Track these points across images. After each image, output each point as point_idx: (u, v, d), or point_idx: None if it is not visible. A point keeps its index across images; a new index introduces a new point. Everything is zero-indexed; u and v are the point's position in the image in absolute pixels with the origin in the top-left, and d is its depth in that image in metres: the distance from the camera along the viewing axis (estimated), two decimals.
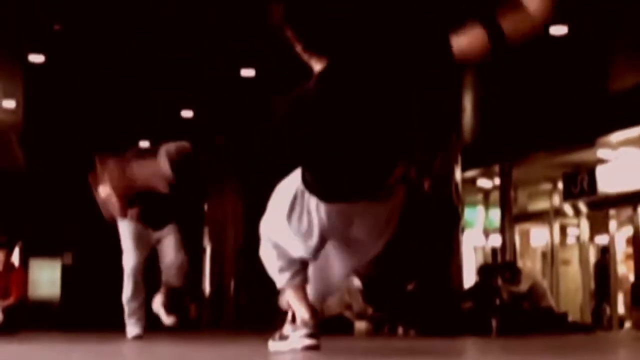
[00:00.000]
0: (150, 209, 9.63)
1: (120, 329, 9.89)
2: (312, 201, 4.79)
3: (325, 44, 4.65)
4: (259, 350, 6.17)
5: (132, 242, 9.70)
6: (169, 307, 9.95)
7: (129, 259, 9.76)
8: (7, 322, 12.22)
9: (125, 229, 9.76)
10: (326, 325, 15.19)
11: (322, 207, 4.78)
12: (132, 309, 9.80)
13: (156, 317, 9.99)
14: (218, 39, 13.33)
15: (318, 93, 4.62)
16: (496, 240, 21.55)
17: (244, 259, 22.82)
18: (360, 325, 14.68)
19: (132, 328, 9.74)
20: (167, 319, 9.93)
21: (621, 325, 19.24)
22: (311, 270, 5.35)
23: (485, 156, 20.12)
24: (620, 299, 19.73)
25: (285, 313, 5.77)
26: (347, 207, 4.79)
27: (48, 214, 23.61)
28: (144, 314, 9.86)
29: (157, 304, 9.93)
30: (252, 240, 18.69)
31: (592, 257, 20.85)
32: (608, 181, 19.00)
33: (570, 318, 15.47)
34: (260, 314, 17.76)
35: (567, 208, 20.90)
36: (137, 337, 9.61)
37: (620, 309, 19.74)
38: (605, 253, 19.24)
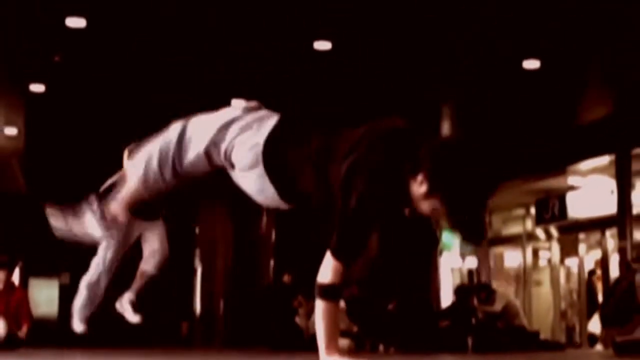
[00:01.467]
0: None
1: (114, 346, 9.83)
2: None
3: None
4: None
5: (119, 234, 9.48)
6: (137, 305, 9.70)
7: (109, 251, 9.60)
8: (9, 339, 12.20)
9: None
10: (312, 341, 15.18)
11: None
12: (90, 298, 9.65)
13: (149, 333, 9.79)
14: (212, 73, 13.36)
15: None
16: (472, 263, 21.58)
17: (233, 279, 22.79)
18: (344, 342, 14.65)
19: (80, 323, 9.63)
20: (133, 317, 9.66)
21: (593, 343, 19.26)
22: None
23: None
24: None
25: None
26: None
27: (47, 235, 23.53)
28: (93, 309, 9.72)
29: (125, 301, 9.68)
30: (241, 261, 18.65)
31: (563, 278, 20.88)
32: (578, 207, 19.05)
33: (541, 336, 15.48)
34: (248, 332, 17.72)
35: (539, 232, 20.92)
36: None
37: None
38: (592, 275, 19.23)
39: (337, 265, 4.12)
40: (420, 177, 4.02)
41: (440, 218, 4.19)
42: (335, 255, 4.08)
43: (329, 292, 4.18)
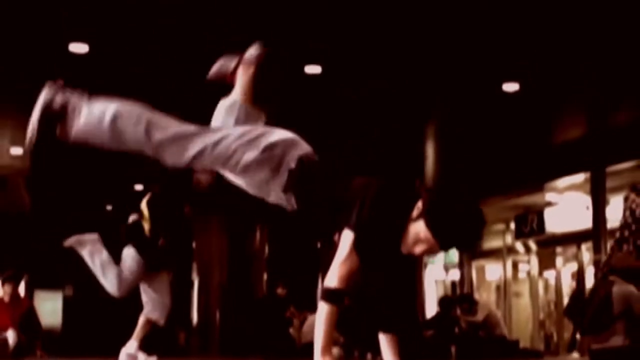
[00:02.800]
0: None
1: (116, 355, 9.75)
2: None
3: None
4: None
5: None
6: (145, 346, 9.44)
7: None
8: (17, 349, 12.18)
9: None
10: (302, 351, 15.16)
11: None
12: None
13: (148, 341, 9.63)
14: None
15: None
16: (455, 275, 21.56)
17: (228, 291, 22.75)
18: (334, 351, 14.61)
19: None
20: None
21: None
22: None
23: None
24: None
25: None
26: None
27: (51, 250, 23.47)
28: None
29: (134, 350, 9.20)
30: (236, 274, 18.59)
31: (541, 290, 20.88)
32: (555, 222, 19.06)
33: (521, 345, 15.46)
34: (243, 341, 17.67)
35: (519, 246, 20.93)
36: None
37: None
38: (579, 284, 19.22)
39: (342, 272, 4.14)
40: (420, 222, 4.10)
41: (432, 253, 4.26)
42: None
43: (333, 296, 4.22)
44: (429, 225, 4.08)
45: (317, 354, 4.38)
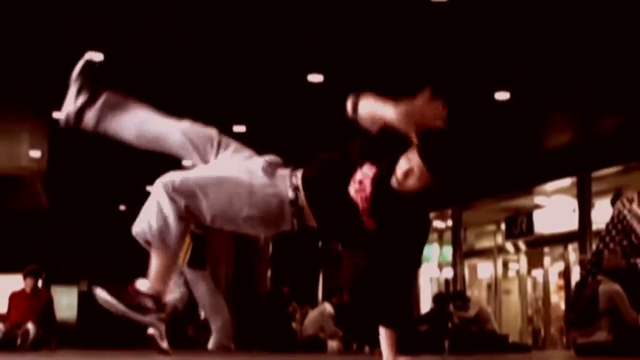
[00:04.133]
0: None
1: (129, 347, 9.74)
2: None
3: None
4: None
5: None
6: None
7: None
8: (36, 340, 12.20)
9: None
10: (304, 344, 15.14)
11: None
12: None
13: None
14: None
15: None
16: (449, 273, 21.54)
17: (234, 287, 22.74)
18: (332, 344, 14.61)
19: None
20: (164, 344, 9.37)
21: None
22: None
23: (440, 201, 20.14)
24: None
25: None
26: None
27: (67, 247, 23.49)
28: None
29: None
30: (241, 272, 18.56)
31: (530, 287, 20.85)
32: (543, 224, 19.05)
33: (510, 339, 15.44)
34: (248, 334, 17.67)
35: (509, 246, 20.92)
36: None
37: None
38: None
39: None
40: (412, 152, 4.22)
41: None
42: None
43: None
44: (419, 149, 4.17)
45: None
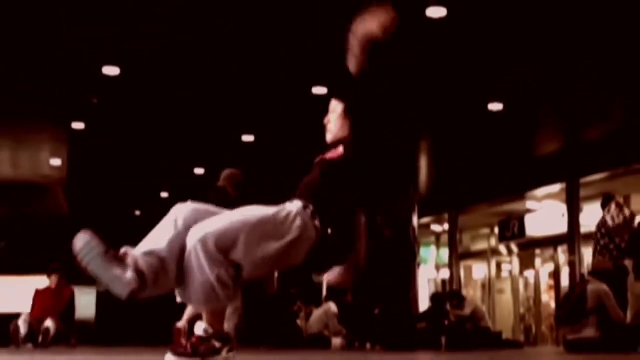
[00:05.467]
0: None
1: (144, 344, 9.71)
2: None
3: None
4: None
5: None
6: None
7: None
8: (57, 336, 12.21)
9: None
10: (309, 341, 15.12)
11: None
12: None
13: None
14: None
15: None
16: (445, 274, 21.54)
17: (243, 288, 22.67)
18: (336, 341, 14.58)
19: None
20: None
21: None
22: None
23: (437, 206, 20.14)
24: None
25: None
26: None
27: None
28: None
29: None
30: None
31: (522, 287, 20.84)
32: (534, 227, 19.05)
33: (504, 336, 15.41)
34: (256, 332, 17.65)
35: (502, 248, 20.91)
36: None
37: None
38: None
39: None
40: None
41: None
42: None
43: None
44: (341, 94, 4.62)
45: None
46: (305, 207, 4.06)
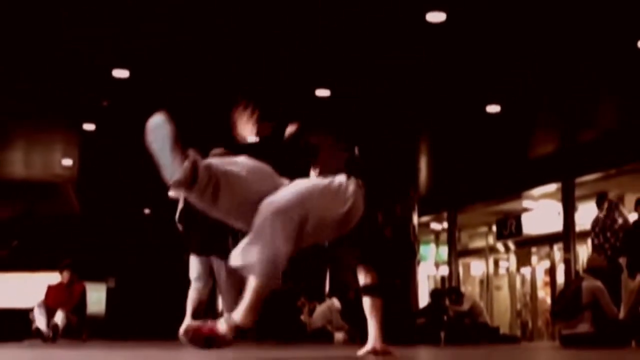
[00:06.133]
0: None
1: (154, 338, 9.70)
2: None
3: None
4: (267, 351, 6.11)
5: None
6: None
7: None
8: (67, 329, 12.22)
9: None
10: (312, 335, 15.12)
11: None
12: None
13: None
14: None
15: None
16: (444, 271, 21.53)
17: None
18: (339, 335, 14.60)
19: None
20: None
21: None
22: None
23: (436, 205, 20.13)
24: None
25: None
26: None
27: (96, 247, 23.50)
28: None
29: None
30: None
31: (518, 284, 20.82)
32: (531, 225, 19.03)
33: (501, 331, 15.42)
34: (261, 326, 17.64)
35: (499, 246, 20.89)
36: None
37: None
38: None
39: None
40: None
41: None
42: None
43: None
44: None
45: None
46: (349, 178, 4.24)
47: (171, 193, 3.73)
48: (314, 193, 4.01)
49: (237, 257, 3.86)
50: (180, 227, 9.14)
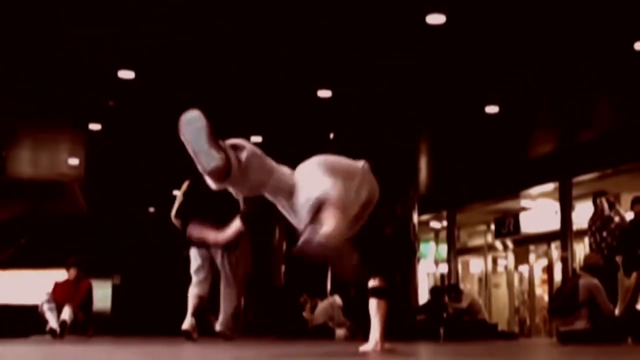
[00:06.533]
0: None
1: (159, 334, 9.67)
2: None
3: None
4: (270, 350, 6.10)
5: None
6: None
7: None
8: (74, 325, 12.19)
9: None
10: (314, 331, 15.11)
11: None
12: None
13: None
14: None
15: None
16: (444, 268, 21.52)
17: (252, 281, 22.73)
18: (340, 332, 14.58)
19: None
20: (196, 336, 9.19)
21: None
22: None
23: (436, 204, 20.12)
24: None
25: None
26: None
27: (103, 245, 23.51)
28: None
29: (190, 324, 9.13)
30: (258, 267, 18.47)
31: (516, 281, 20.82)
32: (529, 224, 19.04)
33: (499, 328, 15.40)
34: (264, 323, 17.67)
35: (498, 244, 20.90)
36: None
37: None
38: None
39: None
40: None
41: None
42: None
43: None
44: None
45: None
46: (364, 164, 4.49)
47: (210, 183, 3.77)
48: (349, 175, 4.39)
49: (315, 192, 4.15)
50: (177, 223, 9.14)
